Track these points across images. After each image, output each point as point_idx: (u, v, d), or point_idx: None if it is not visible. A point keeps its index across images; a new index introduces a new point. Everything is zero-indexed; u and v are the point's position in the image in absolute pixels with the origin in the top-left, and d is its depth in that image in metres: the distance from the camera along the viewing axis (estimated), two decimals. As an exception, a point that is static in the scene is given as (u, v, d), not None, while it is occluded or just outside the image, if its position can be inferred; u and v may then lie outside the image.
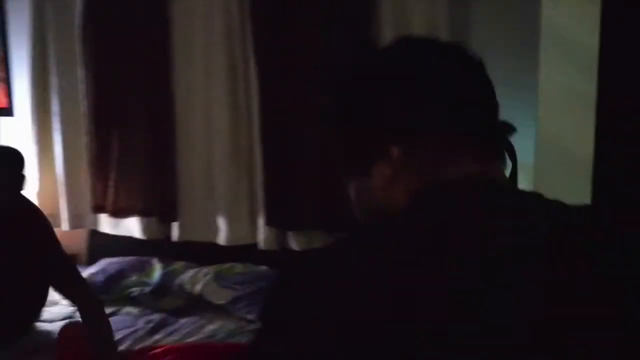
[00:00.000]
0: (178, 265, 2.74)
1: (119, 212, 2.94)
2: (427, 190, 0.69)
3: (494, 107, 0.74)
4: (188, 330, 2.36)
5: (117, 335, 2.29)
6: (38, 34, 2.90)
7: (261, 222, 2.70)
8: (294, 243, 2.68)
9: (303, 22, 2.55)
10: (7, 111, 3.18)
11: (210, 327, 2.37)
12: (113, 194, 2.92)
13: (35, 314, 2.27)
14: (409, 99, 0.72)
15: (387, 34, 2.39)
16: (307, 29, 2.54)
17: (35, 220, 2.12)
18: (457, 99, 0.72)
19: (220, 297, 2.49)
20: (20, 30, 3.04)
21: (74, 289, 2.10)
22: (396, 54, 0.76)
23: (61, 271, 2.08)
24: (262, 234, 2.70)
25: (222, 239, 2.76)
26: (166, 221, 2.87)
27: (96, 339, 1.98)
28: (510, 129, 0.74)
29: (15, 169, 2.01)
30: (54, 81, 2.91)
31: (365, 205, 0.78)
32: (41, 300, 2.22)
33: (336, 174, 2.77)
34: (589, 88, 1.26)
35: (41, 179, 3.01)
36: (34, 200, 2.99)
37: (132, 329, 2.35)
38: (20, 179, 2.02)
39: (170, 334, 2.33)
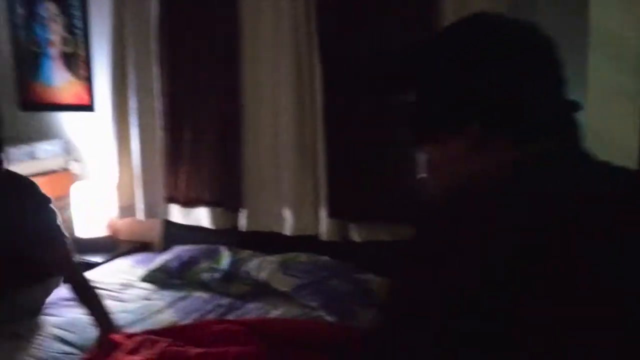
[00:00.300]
0: (245, 253, 2.86)
1: (189, 203, 3.09)
2: (520, 162, 0.70)
3: (564, 84, 0.76)
4: (254, 314, 2.46)
5: (190, 317, 2.45)
6: (117, 36, 3.07)
7: (324, 213, 2.78)
8: (356, 235, 2.75)
9: (366, 18, 2.60)
10: (88, 107, 3.38)
11: (275, 312, 2.46)
12: (184, 186, 3.08)
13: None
14: (491, 76, 0.73)
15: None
16: (370, 24, 2.59)
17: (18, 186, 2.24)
18: (534, 77, 0.74)
19: (285, 284, 2.58)
20: (101, 32, 3.23)
21: (55, 250, 2.23)
22: (476, 30, 0.78)
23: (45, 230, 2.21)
24: (325, 225, 2.79)
25: (286, 229, 2.86)
26: (233, 212, 3.00)
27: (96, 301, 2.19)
28: (577, 106, 0.76)
29: None
30: (131, 79, 3.07)
31: (437, 174, 0.81)
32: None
33: (398, 167, 2.82)
34: (635, 84, 1.27)
35: (120, 172, 3.19)
36: (114, 192, 3.21)
37: (203, 312, 2.49)
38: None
39: (238, 317, 2.45)
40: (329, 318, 2.38)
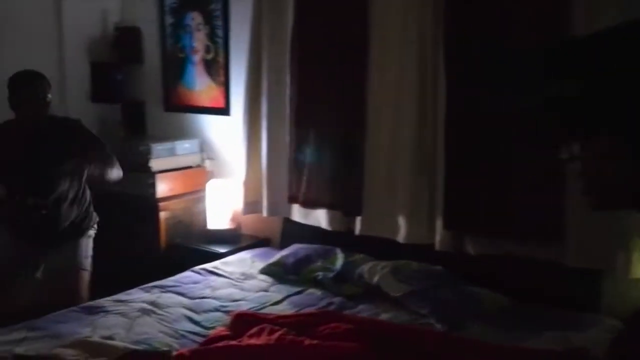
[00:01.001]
0: (358, 256, 2.94)
1: (309, 204, 3.24)
2: None
3: None
4: (365, 315, 2.53)
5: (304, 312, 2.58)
6: (255, 45, 3.30)
7: (439, 224, 2.80)
8: (470, 247, 2.75)
9: (492, 27, 2.61)
10: (224, 111, 3.64)
11: (385, 316, 2.52)
12: (305, 187, 3.22)
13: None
14: None
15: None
16: (496, 34, 2.60)
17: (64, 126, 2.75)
18: None
19: (396, 289, 2.62)
20: (239, 42, 3.47)
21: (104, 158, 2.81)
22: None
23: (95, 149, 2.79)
24: (439, 236, 2.80)
25: (400, 236, 2.91)
26: (350, 215, 3.10)
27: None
28: None
29: (44, 87, 2.63)
30: (264, 86, 3.29)
31: (590, 171, 0.83)
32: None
33: (517, 182, 2.77)
34: None
35: (248, 171, 3.40)
36: (241, 189, 3.45)
37: (316, 307, 2.60)
38: (46, 95, 2.64)
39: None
40: (438, 326, 2.41)
